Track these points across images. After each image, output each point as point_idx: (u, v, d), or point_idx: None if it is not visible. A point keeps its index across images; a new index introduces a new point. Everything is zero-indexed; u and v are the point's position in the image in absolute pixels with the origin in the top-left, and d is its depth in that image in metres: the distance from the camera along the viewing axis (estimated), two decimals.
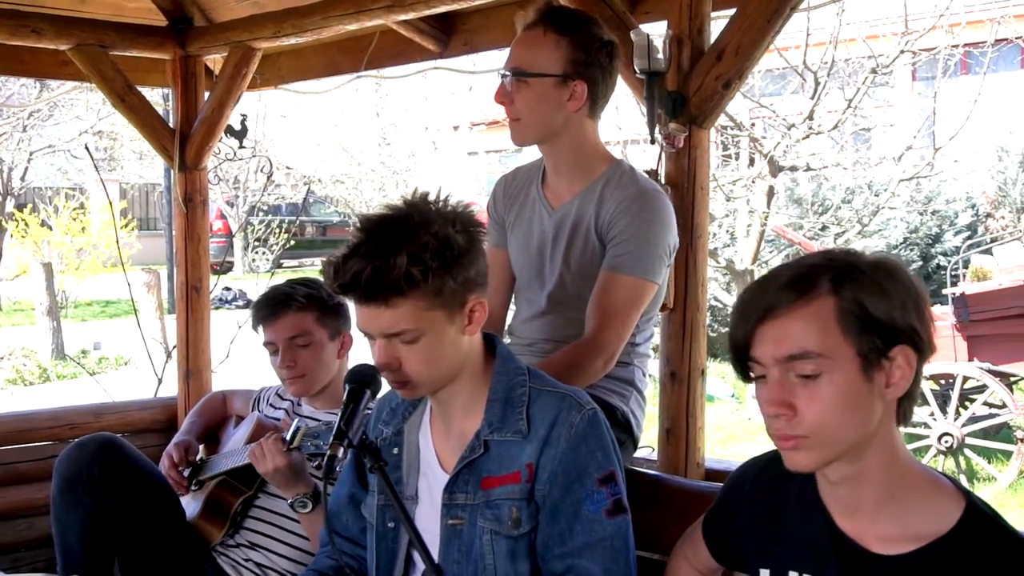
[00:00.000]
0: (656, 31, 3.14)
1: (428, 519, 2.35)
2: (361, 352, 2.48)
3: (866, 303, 1.71)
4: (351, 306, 2.30)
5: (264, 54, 4.56)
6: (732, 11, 3.00)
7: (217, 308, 5.02)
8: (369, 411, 2.41)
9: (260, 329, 3.36)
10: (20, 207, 18.24)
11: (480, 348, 2.37)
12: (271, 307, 3.32)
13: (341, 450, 2.15)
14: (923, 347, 1.75)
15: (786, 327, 1.72)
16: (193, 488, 3.44)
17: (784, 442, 1.77)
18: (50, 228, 17.61)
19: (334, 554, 2.48)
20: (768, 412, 1.76)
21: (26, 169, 20.57)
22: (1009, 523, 1.76)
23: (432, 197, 2.27)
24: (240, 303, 17.76)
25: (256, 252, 24.49)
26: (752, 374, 1.80)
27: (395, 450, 2.46)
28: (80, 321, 16.79)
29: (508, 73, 2.85)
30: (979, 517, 1.75)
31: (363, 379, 2.23)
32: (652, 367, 3.20)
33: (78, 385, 12.10)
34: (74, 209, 18.23)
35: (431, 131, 25.30)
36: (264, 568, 3.26)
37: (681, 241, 3.05)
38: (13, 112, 17.46)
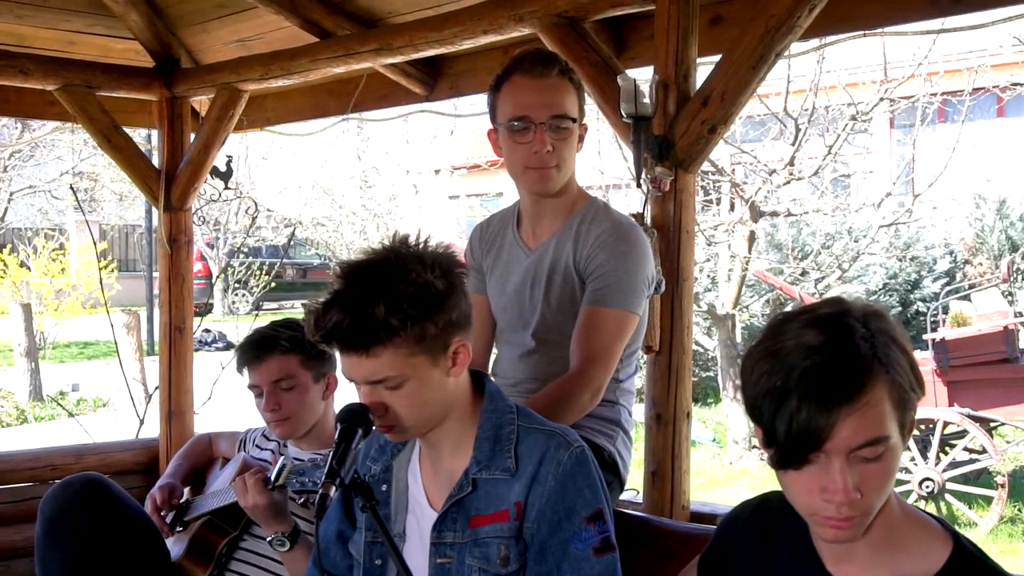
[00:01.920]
0: (642, 76, 3.17)
1: (416, 557, 2.34)
2: (346, 393, 2.47)
3: (902, 372, 1.69)
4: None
5: (250, 96, 4.58)
6: (717, 57, 3.04)
7: (197, 350, 4.99)
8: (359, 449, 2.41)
9: (245, 372, 3.35)
10: None
11: (467, 387, 2.37)
12: (255, 350, 3.31)
13: (333, 489, 2.14)
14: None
15: (865, 418, 1.66)
16: (178, 529, 3.42)
17: (842, 523, 1.72)
18: (29, 269, 17.53)
19: None
20: (838, 500, 1.69)
21: (6, 209, 20.53)
22: (997, 563, 1.76)
23: (412, 240, 2.28)
24: (220, 345, 17.68)
25: (236, 294, 24.42)
26: (800, 460, 1.71)
27: (383, 487, 2.45)
28: (58, 362, 16.68)
29: (553, 120, 2.84)
30: (967, 558, 1.75)
31: (355, 418, 2.22)
32: (637, 410, 3.20)
33: (56, 427, 12.00)
34: (54, 250, 18.16)
35: (412, 174, 25.36)
36: None
37: (667, 284, 3.07)
38: None
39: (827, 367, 1.67)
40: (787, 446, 1.69)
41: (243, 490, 2.98)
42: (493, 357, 3.23)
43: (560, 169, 2.90)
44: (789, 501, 1.79)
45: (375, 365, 2.18)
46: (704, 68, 3.16)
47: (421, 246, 2.27)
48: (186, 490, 3.65)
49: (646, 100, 3.10)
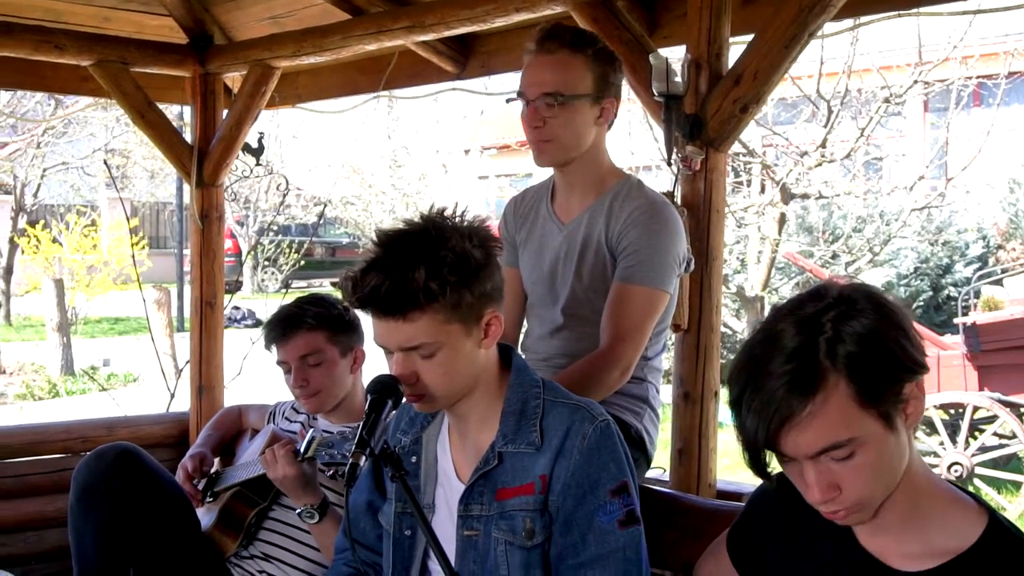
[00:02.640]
0: (674, 55, 3.16)
1: (444, 528, 2.36)
2: (374, 366, 2.49)
3: (871, 368, 1.68)
4: (364, 322, 2.31)
5: (282, 73, 4.60)
6: (750, 36, 3.03)
7: (227, 327, 5.02)
8: (389, 421, 2.43)
9: (273, 348, 3.38)
10: (32, 223, 18.29)
11: (495, 361, 2.39)
12: (282, 327, 3.34)
13: (363, 459, 2.16)
14: (924, 366, 1.75)
15: (811, 430, 1.68)
16: (208, 500, 3.46)
17: (834, 515, 1.78)
18: (61, 245, 17.67)
19: (355, 561, 2.48)
20: (814, 499, 1.75)
21: (39, 186, 20.62)
22: None
23: (448, 212, 2.30)
24: (249, 322, 17.78)
25: (266, 272, 24.53)
26: (759, 469, 1.78)
27: (413, 459, 2.47)
28: (89, 338, 16.82)
29: (543, 97, 2.86)
30: (1002, 533, 1.76)
31: (385, 389, 2.24)
32: (664, 391, 3.20)
33: (87, 401, 12.12)
34: (85, 226, 18.29)
35: (442, 154, 25.39)
36: None
37: (696, 263, 3.07)
38: (28, 128, 17.54)
39: (771, 382, 1.69)
40: (746, 457, 1.76)
41: (272, 461, 3.01)
42: (523, 331, 3.24)
43: (554, 144, 2.91)
44: None
45: (411, 331, 2.19)
46: (736, 47, 3.16)
47: (458, 218, 2.28)
48: (216, 461, 3.68)
49: (678, 79, 3.10)
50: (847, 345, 1.68)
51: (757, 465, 1.77)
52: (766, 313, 10.34)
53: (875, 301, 1.73)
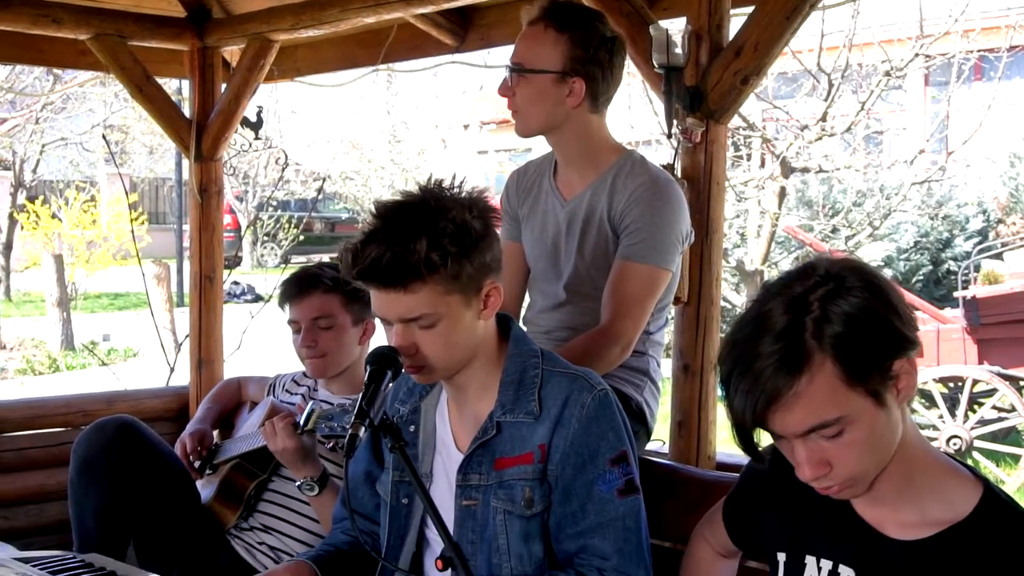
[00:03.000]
0: (675, 27, 3.15)
1: (443, 497, 2.37)
2: (381, 340, 2.49)
3: (858, 347, 1.68)
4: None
5: (281, 46, 4.58)
6: (751, 8, 3.01)
7: (226, 302, 5.02)
8: (388, 392, 2.43)
9: (286, 308, 3.38)
10: (31, 199, 18.27)
11: (494, 331, 2.39)
12: (298, 286, 3.35)
13: (362, 430, 2.16)
14: (915, 342, 1.74)
15: (797, 409, 1.69)
16: (207, 472, 3.47)
17: (827, 490, 1.78)
18: (60, 220, 17.66)
19: (353, 530, 2.49)
20: (805, 476, 1.75)
21: (38, 161, 20.57)
22: None
23: (447, 184, 2.29)
24: (248, 297, 17.78)
25: (265, 247, 24.52)
26: (748, 448, 1.79)
27: (411, 428, 2.48)
28: (89, 313, 16.82)
29: (509, 67, 2.89)
30: (997, 503, 1.76)
31: (384, 360, 2.24)
32: (664, 365, 3.20)
33: (87, 375, 12.15)
34: (85, 202, 18.27)
35: (441, 129, 25.35)
36: (278, 551, 3.27)
37: (696, 236, 3.07)
38: (27, 104, 17.49)
39: (758, 362, 1.69)
40: (737, 434, 1.76)
41: (272, 434, 3.01)
42: (525, 304, 3.24)
43: (521, 116, 2.93)
44: None
45: (412, 302, 2.19)
46: (737, 19, 3.14)
47: (456, 189, 2.28)
48: (215, 433, 3.69)
49: (678, 50, 3.08)
50: (834, 325, 1.67)
51: (747, 444, 1.78)
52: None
53: (865, 278, 1.73)
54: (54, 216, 17.54)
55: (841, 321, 1.68)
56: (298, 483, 3.05)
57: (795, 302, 1.71)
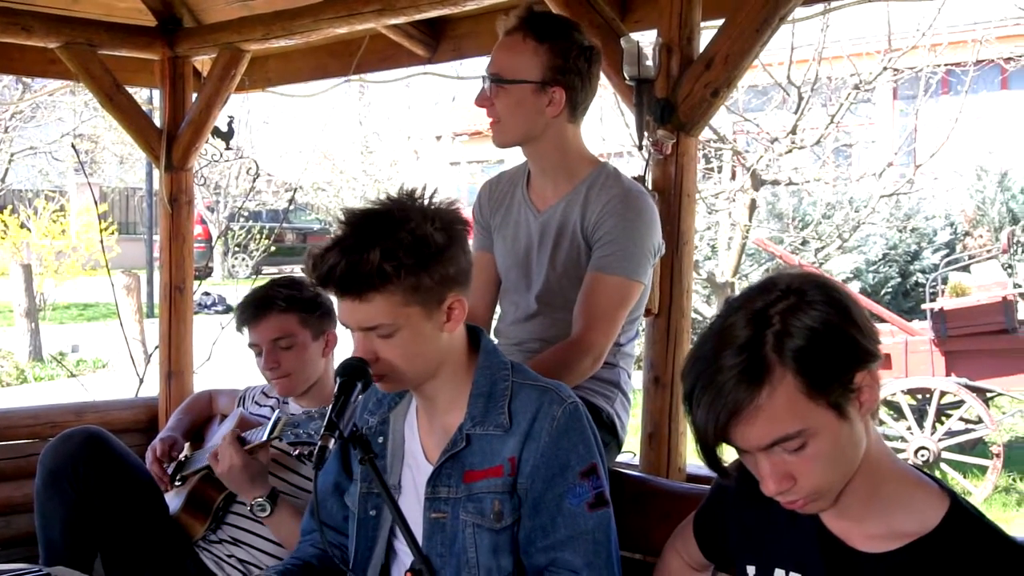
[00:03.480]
0: (646, 39, 3.16)
1: (412, 510, 2.36)
2: (346, 350, 2.49)
3: (819, 360, 1.68)
4: (335, 303, 2.31)
5: (252, 56, 4.57)
6: (721, 20, 3.03)
7: (197, 313, 5.00)
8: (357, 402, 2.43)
9: (244, 331, 3.37)
10: (0, 209, 18.13)
11: (463, 343, 2.38)
12: (253, 309, 3.33)
13: (332, 441, 2.16)
14: (876, 355, 1.75)
15: (759, 423, 1.69)
16: (176, 484, 3.45)
17: (792, 504, 1.78)
18: (29, 230, 17.52)
19: (322, 543, 2.48)
20: (769, 491, 1.75)
21: (6, 171, 20.47)
22: (992, 520, 1.78)
23: (417, 194, 2.29)
24: (219, 308, 17.70)
25: (236, 258, 24.42)
26: (711, 462, 1.78)
27: (380, 439, 2.47)
28: (58, 323, 16.71)
29: (488, 77, 2.89)
30: (963, 515, 1.77)
31: (354, 372, 2.23)
32: (635, 377, 3.21)
33: (55, 387, 12.04)
34: (54, 211, 18.14)
35: (413, 140, 25.33)
36: (247, 564, 3.25)
37: (667, 248, 3.07)
38: None
39: (720, 375, 1.69)
40: (699, 449, 1.76)
41: (217, 458, 3.02)
42: (496, 315, 3.24)
43: (501, 126, 2.92)
44: None
45: (368, 311, 2.19)
46: (708, 32, 3.15)
47: (425, 200, 2.27)
48: (186, 445, 3.67)
49: (649, 63, 3.10)
50: (795, 339, 1.68)
51: (710, 459, 1.77)
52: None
53: (826, 292, 1.73)
54: (23, 226, 17.40)
55: (802, 335, 1.68)
56: (249, 506, 3.04)
57: (756, 316, 1.72)
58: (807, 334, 1.68)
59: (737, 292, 10.30)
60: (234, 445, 2.99)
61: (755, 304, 1.74)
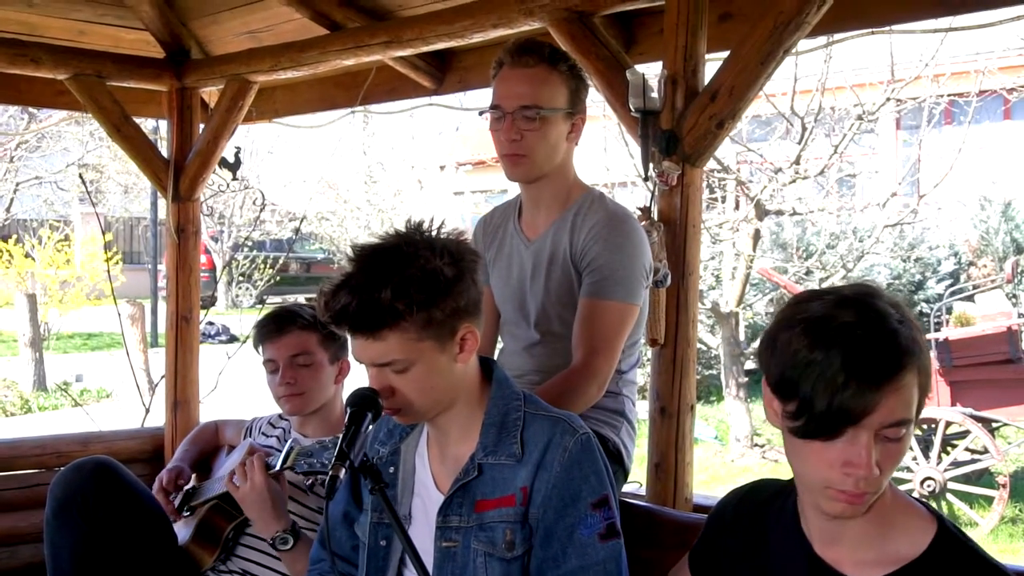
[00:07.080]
0: (651, 71, 3.19)
1: (423, 539, 2.36)
2: (356, 382, 2.50)
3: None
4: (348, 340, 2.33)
5: (260, 87, 4.60)
6: (726, 53, 3.06)
7: (201, 342, 5.02)
8: (368, 432, 2.43)
9: (261, 348, 3.38)
10: (4, 238, 18.14)
11: (476, 374, 2.39)
12: (276, 324, 3.36)
13: (343, 471, 2.16)
14: None
15: (901, 396, 1.70)
16: (185, 514, 3.44)
17: (854, 497, 1.75)
18: (34, 260, 17.55)
19: (333, 573, 2.48)
20: (861, 474, 1.72)
21: (12, 200, 20.52)
22: (979, 546, 1.80)
23: (425, 226, 2.30)
24: (224, 338, 17.70)
25: (240, 288, 24.42)
26: (834, 433, 1.73)
27: (391, 469, 2.48)
28: (62, 353, 16.69)
29: (521, 110, 2.86)
30: (950, 540, 1.78)
31: (365, 402, 2.24)
32: (641, 406, 3.21)
33: (60, 416, 12.03)
34: (58, 241, 18.18)
35: (417, 170, 25.40)
36: None
37: (672, 278, 3.09)
38: (1, 143, 17.44)
39: (872, 345, 1.69)
40: (825, 418, 1.70)
41: (242, 475, 2.99)
42: (499, 348, 3.25)
43: (530, 158, 2.90)
44: (797, 473, 1.82)
45: (382, 348, 2.21)
46: (712, 64, 3.18)
47: (433, 233, 2.29)
48: (193, 476, 3.67)
49: (654, 95, 3.12)
50: (913, 331, 1.74)
51: (834, 427, 1.72)
52: (741, 329, 10.41)
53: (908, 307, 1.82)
54: (27, 255, 17.42)
55: (916, 330, 1.75)
56: (271, 539, 3.02)
57: (865, 301, 1.76)
58: (918, 332, 1.75)
59: (742, 322, 10.32)
60: (260, 463, 2.98)
61: (850, 291, 1.78)
